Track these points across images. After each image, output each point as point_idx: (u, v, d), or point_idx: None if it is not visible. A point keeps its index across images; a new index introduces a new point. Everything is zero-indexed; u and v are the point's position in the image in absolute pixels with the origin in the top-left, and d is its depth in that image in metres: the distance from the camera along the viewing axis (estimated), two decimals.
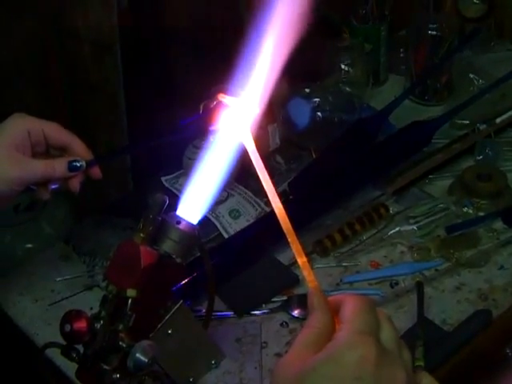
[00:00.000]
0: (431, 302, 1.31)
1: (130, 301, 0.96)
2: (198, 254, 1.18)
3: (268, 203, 1.49)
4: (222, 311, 1.31)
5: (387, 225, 1.46)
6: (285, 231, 0.76)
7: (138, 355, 0.92)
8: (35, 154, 1.15)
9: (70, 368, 1.05)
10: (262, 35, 0.78)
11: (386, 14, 1.85)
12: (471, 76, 1.78)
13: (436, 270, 1.37)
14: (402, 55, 1.95)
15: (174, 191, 1.53)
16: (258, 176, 0.78)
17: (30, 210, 1.56)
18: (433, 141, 1.62)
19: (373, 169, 1.56)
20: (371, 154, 1.57)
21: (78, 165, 1.14)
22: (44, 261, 1.44)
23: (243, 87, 0.80)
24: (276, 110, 1.59)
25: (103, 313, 0.98)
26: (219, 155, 0.89)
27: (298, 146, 1.66)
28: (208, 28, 1.68)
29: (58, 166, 1.13)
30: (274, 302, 1.33)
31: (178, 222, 0.99)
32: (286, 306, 1.32)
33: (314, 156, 1.62)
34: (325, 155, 1.58)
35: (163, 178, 1.59)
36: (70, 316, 0.95)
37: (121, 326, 0.96)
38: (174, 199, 1.01)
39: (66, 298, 1.36)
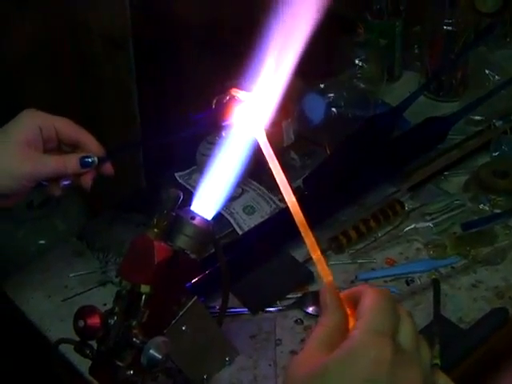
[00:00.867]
0: (447, 299, 1.30)
1: (143, 297, 0.96)
2: (213, 250, 1.17)
3: (282, 199, 1.48)
4: (236, 308, 1.30)
5: (403, 221, 1.45)
6: (298, 225, 0.75)
7: (151, 352, 0.91)
8: (47, 150, 1.14)
9: (83, 364, 1.04)
10: (276, 30, 0.77)
11: (401, 9, 1.84)
12: (487, 72, 1.77)
13: (452, 267, 1.36)
14: (416, 51, 1.95)
15: (188, 187, 1.53)
16: (271, 171, 0.77)
17: (43, 206, 1.56)
18: (448, 137, 1.61)
19: (388, 165, 1.55)
20: (386, 150, 1.57)
21: (90, 161, 1.14)
22: (57, 257, 1.44)
23: (256, 83, 0.79)
24: (290, 105, 1.59)
25: (117, 309, 0.97)
26: (233, 151, 0.88)
27: (312, 141, 1.65)
28: (221, 23, 1.67)
29: (70, 162, 1.13)
30: (288, 298, 1.32)
31: (193, 218, 0.98)
32: (300, 303, 1.31)
33: (328, 152, 1.61)
34: (339, 151, 1.57)
35: (177, 174, 1.58)
36: (84, 312, 0.95)
37: (134, 323, 0.95)
38: (188, 195, 1.01)
39: (79, 293, 1.36)
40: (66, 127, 1.15)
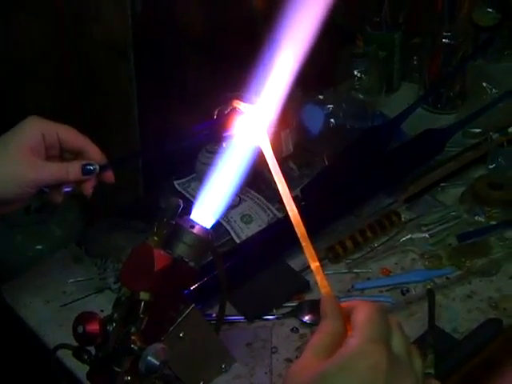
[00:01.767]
0: (442, 309, 1.31)
1: (142, 304, 0.96)
2: (211, 258, 1.18)
3: (280, 209, 1.49)
4: (232, 316, 1.31)
5: (399, 232, 1.46)
6: (298, 235, 0.76)
7: (149, 358, 0.92)
8: (49, 157, 1.15)
9: (81, 370, 1.05)
10: (276, 42, 0.78)
11: (400, 21, 1.85)
12: (484, 85, 1.78)
13: (447, 277, 1.37)
14: (415, 63, 1.95)
15: (187, 195, 1.53)
16: (272, 179, 0.78)
17: (40, 211, 1.57)
18: (445, 149, 1.62)
19: (385, 176, 1.56)
20: (384, 161, 1.58)
21: (92, 168, 1.15)
22: (56, 263, 1.45)
23: (256, 93, 0.80)
24: (289, 116, 1.59)
25: (116, 315, 0.98)
26: (232, 160, 0.89)
27: (310, 152, 1.66)
28: (222, 33, 1.68)
29: (72, 170, 1.14)
30: (284, 307, 1.33)
31: (192, 226, 0.99)
32: (296, 312, 1.32)
33: (326, 162, 1.62)
34: (337, 162, 1.58)
35: (176, 182, 1.59)
36: (83, 318, 0.96)
37: (133, 329, 0.96)
38: (187, 203, 1.01)
39: (78, 299, 1.37)
40: (69, 135, 1.16)
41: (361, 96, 1.74)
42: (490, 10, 1.89)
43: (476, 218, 1.47)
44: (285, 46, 0.78)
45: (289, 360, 1.23)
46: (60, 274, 1.42)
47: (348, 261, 1.42)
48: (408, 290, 1.36)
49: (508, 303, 1.32)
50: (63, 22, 1.51)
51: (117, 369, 0.96)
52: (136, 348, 0.94)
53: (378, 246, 1.44)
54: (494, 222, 1.46)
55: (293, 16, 0.78)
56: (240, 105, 0.82)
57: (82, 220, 1.66)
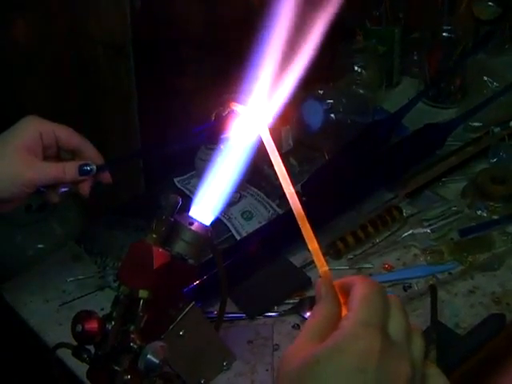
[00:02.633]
0: (444, 305, 1.30)
1: (141, 302, 0.95)
2: (210, 255, 1.17)
3: (280, 205, 1.49)
4: (233, 313, 1.30)
5: (400, 227, 1.46)
6: (296, 216, 0.75)
7: (149, 356, 0.91)
8: (46, 157, 1.15)
9: (80, 369, 1.04)
10: (275, 38, 0.77)
11: (399, 16, 1.84)
12: (485, 79, 1.77)
13: (449, 273, 1.37)
14: (415, 57, 1.95)
15: (187, 192, 1.53)
16: (274, 171, 0.77)
17: (41, 210, 1.56)
18: (446, 143, 1.62)
19: (386, 171, 1.55)
20: (384, 156, 1.57)
21: (89, 169, 1.14)
22: (55, 261, 1.44)
23: (256, 91, 0.79)
24: (289, 111, 1.59)
25: (115, 314, 0.97)
26: (231, 156, 0.88)
27: (310, 147, 1.65)
28: (221, 31, 1.68)
29: (69, 170, 1.13)
30: (286, 304, 1.33)
31: (191, 223, 0.98)
32: (298, 308, 1.31)
33: (326, 158, 1.62)
34: (338, 157, 1.58)
35: (176, 179, 1.59)
36: (82, 316, 0.95)
37: (132, 327, 0.95)
38: (187, 200, 1.01)
39: (77, 298, 1.36)
40: (66, 135, 1.16)
41: (361, 91, 1.74)
42: (490, 3, 1.89)
43: (478, 212, 1.47)
44: (284, 42, 0.77)
45: None
46: (59, 273, 1.41)
47: (350, 257, 1.41)
48: (410, 286, 1.35)
49: (510, 298, 1.31)
50: (61, 20, 1.50)
51: (116, 367, 0.95)
52: (135, 346, 0.94)
53: (380, 242, 1.43)
54: (496, 217, 1.46)
55: (292, 11, 0.77)
56: (238, 107, 0.82)
57: (82, 218, 1.65)
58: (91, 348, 0.97)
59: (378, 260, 1.41)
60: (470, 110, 1.64)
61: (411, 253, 1.42)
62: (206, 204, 0.98)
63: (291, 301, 1.33)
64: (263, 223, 1.46)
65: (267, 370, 1.20)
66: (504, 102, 1.68)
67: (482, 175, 1.53)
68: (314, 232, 0.76)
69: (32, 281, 1.41)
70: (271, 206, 1.50)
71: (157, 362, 0.92)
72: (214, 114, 1.36)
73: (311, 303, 1.31)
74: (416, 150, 1.60)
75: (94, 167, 1.15)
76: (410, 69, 1.95)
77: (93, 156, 1.16)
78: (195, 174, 1.58)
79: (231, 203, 1.49)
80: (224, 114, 1.15)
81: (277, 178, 0.77)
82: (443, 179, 1.58)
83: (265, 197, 1.51)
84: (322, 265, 0.76)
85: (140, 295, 0.96)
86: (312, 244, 0.76)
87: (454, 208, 1.48)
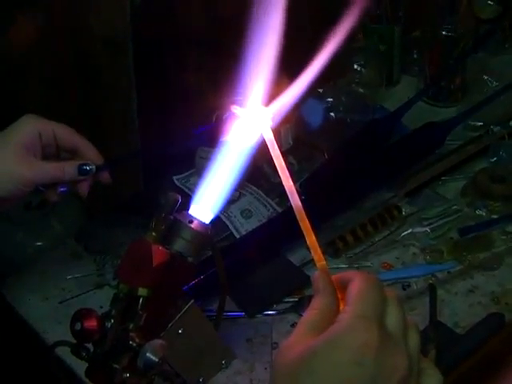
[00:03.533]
0: (443, 304, 1.30)
1: (141, 300, 0.95)
2: (210, 253, 1.17)
3: (280, 203, 1.49)
4: (232, 311, 1.30)
5: (400, 226, 1.46)
6: (294, 209, 0.75)
7: (148, 354, 0.91)
8: (45, 156, 1.14)
9: (79, 367, 1.04)
10: (275, 36, 0.77)
11: (400, 14, 1.84)
12: (485, 77, 1.77)
13: (448, 272, 1.37)
14: (415, 56, 1.95)
15: (186, 190, 1.53)
16: (274, 168, 0.78)
17: (40, 208, 1.56)
18: (446, 142, 1.62)
19: (386, 170, 1.55)
20: (384, 155, 1.57)
21: (88, 168, 1.14)
22: (55, 259, 1.45)
23: (256, 91, 0.79)
24: (289, 110, 1.59)
25: (114, 312, 0.97)
26: (231, 155, 0.88)
27: (310, 146, 1.65)
28: (221, 30, 1.68)
29: (68, 169, 1.13)
30: (285, 302, 1.33)
31: (191, 221, 0.98)
32: (297, 307, 1.31)
33: (326, 156, 1.62)
34: (337, 156, 1.58)
35: (175, 177, 1.59)
36: (81, 314, 0.95)
37: (131, 325, 0.95)
38: (186, 198, 1.01)
39: (76, 296, 1.36)
40: (66, 134, 1.16)
41: (361, 90, 1.74)
42: (490, 2, 1.88)
43: (477, 211, 1.47)
44: (284, 41, 0.77)
45: None
46: (59, 271, 1.41)
47: (349, 255, 1.41)
48: (409, 285, 1.35)
49: (510, 298, 1.32)
50: (61, 16, 1.50)
51: (115, 365, 0.95)
52: (134, 344, 0.94)
53: (379, 241, 1.44)
54: (495, 216, 1.46)
55: (293, 10, 0.77)
56: (238, 109, 0.82)
57: (82, 216, 1.65)
58: (90, 346, 0.98)
59: (377, 259, 1.41)
60: (469, 108, 1.64)
61: (410, 252, 1.42)
62: (206, 202, 0.98)
63: (290, 299, 1.33)
64: (263, 222, 1.46)
65: (266, 369, 1.21)
66: (504, 100, 1.67)
67: (482, 174, 1.53)
68: (313, 230, 0.76)
69: (31, 278, 1.41)
70: (271, 205, 1.49)
71: (156, 360, 0.91)
72: (214, 116, 1.36)
73: (310, 302, 1.30)
74: (416, 148, 1.60)
75: (94, 167, 1.14)
76: (409, 67, 1.95)
77: (92, 155, 1.16)
78: (194, 173, 1.58)
79: (231, 202, 1.49)
80: (224, 117, 1.15)
81: (277, 176, 0.77)
82: (443, 178, 1.58)
83: (264, 195, 1.51)
84: (319, 259, 0.76)
85: (139, 293, 0.95)
86: (310, 238, 0.76)
87: (453, 207, 1.48)
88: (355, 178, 1.50)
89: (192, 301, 1.07)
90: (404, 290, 1.34)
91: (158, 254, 0.96)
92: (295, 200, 0.76)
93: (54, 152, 1.16)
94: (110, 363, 0.95)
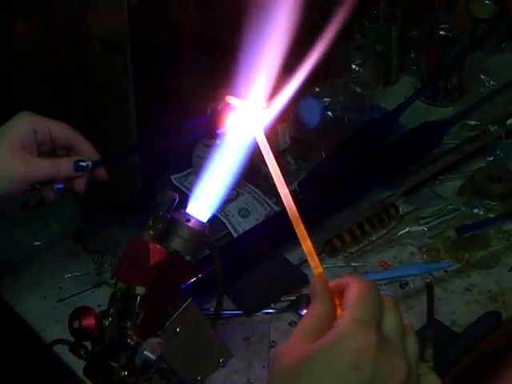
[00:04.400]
0: (441, 303, 1.30)
1: (138, 298, 0.96)
2: (208, 252, 1.18)
3: (277, 202, 1.49)
4: (230, 310, 1.30)
5: (397, 225, 1.46)
6: (290, 216, 0.75)
7: (146, 353, 0.91)
8: (41, 153, 1.14)
9: (77, 365, 1.04)
10: (272, 36, 0.77)
11: (397, 14, 1.84)
12: (482, 77, 1.78)
13: (446, 271, 1.37)
14: (413, 56, 1.95)
15: (183, 189, 1.53)
16: (267, 171, 0.78)
17: (38, 207, 1.56)
18: (443, 142, 1.62)
19: (383, 169, 1.56)
20: (381, 154, 1.57)
21: (84, 165, 1.14)
22: (52, 258, 1.45)
23: (252, 88, 0.79)
24: (287, 109, 1.59)
25: (112, 310, 0.97)
26: (229, 153, 0.89)
27: (307, 145, 1.65)
28: (218, 28, 1.68)
29: (64, 166, 1.13)
30: (282, 301, 1.33)
31: (188, 220, 0.98)
32: (294, 306, 1.31)
33: (323, 156, 1.62)
34: (335, 155, 1.58)
35: (172, 177, 1.59)
36: (79, 312, 0.95)
37: (129, 324, 0.95)
38: (184, 197, 1.01)
39: (74, 295, 1.36)
40: (61, 131, 1.15)
41: (358, 89, 1.74)
42: (487, 1, 1.89)
43: (475, 210, 1.47)
44: (281, 39, 0.77)
45: None
46: (56, 270, 1.41)
47: (346, 254, 1.41)
48: (406, 284, 1.35)
49: (507, 296, 1.32)
50: (59, 16, 1.50)
51: (113, 364, 0.95)
52: (132, 343, 0.94)
53: (376, 240, 1.44)
54: (492, 215, 1.46)
55: (289, 9, 0.77)
56: (233, 100, 0.82)
57: (80, 215, 1.65)
58: (88, 344, 0.98)
59: (374, 258, 1.41)
60: (467, 108, 1.64)
61: (407, 251, 1.42)
62: (203, 201, 0.98)
63: (288, 298, 1.33)
64: (260, 221, 1.46)
65: (264, 367, 1.21)
66: (501, 100, 1.68)
67: (479, 173, 1.53)
68: (310, 230, 0.76)
69: (29, 277, 1.41)
70: (268, 204, 1.50)
71: (153, 358, 0.92)
72: (209, 108, 1.36)
73: (308, 301, 1.30)
74: (413, 148, 1.60)
75: (90, 163, 1.14)
76: (407, 67, 1.96)
77: (88, 152, 1.16)
78: (192, 172, 1.58)
79: (228, 200, 1.49)
80: (219, 108, 1.14)
81: (272, 178, 0.77)
82: (440, 177, 1.58)
83: (262, 194, 1.51)
84: (316, 266, 0.76)
85: (137, 292, 0.96)
86: (306, 244, 0.76)
87: (450, 206, 1.49)
88: (353, 177, 1.50)
89: (190, 299, 1.07)
90: (401, 288, 1.34)
91: (156, 252, 0.97)
92: (291, 207, 0.76)
93: (49, 149, 1.16)
94: (108, 361, 0.95)
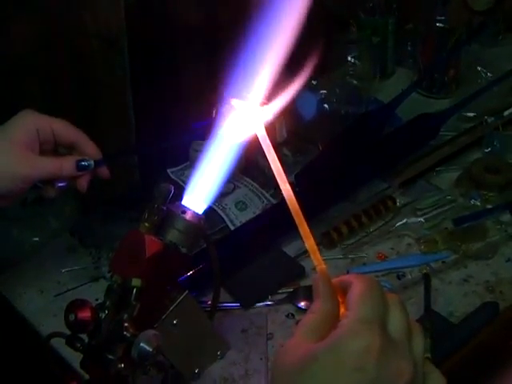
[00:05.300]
0: (438, 294, 1.30)
1: (134, 290, 0.96)
2: (204, 245, 1.18)
3: (274, 195, 1.49)
4: (227, 302, 1.30)
5: (394, 217, 1.46)
6: (293, 214, 0.75)
7: (142, 345, 0.92)
8: (43, 152, 1.14)
9: (74, 358, 1.05)
10: (270, 31, 0.77)
11: (393, 6, 1.84)
12: (479, 69, 1.78)
13: (443, 262, 1.37)
14: (409, 48, 1.95)
15: (181, 183, 1.53)
16: (265, 165, 0.78)
17: (37, 203, 1.56)
18: (440, 133, 1.62)
19: (380, 161, 1.55)
20: (378, 146, 1.57)
21: (87, 164, 1.14)
22: (50, 252, 1.45)
23: (251, 85, 0.79)
24: (284, 103, 1.58)
25: (108, 303, 0.97)
26: (225, 147, 0.89)
27: (304, 138, 1.65)
28: (216, 25, 1.68)
29: (66, 165, 1.13)
30: (280, 293, 1.33)
31: (184, 212, 0.99)
32: (292, 298, 1.31)
33: (320, 148, 1.62)
34: (331, 148, 1.58)
35: (169, 170, 1.59)
36: (75, 305, 0.95)
37: (125, 316, 0.96)
38: (181, 191, 1.01)
39: (72, 289, 1.36)
40: (64, 129, 1.15)
41: (355, 82, 1.74)
42: None
43: (472, 201, 1.47)
44: (278, 34, 0.77)
45: None
46: (54, 264, 1.41)
47: (343, 246, 1.41)
48: (404, 275, 1.35)
49: (504, 286, 1.32)
50: (55, 13, 1.50)
51: (110, 356, 0.95)
52: (128, 335, 0.94)
53: (374, 231, 1.44)
54: (489, 206, 1.46)
55: (286, 3, 0.77)
56: (235, 102, 0.82)
57: (78, 211, 1.65)
58: (85, 337, 0.98)
59: (371, 249, 1.41)
60: (463, 100, 1.64)
61: (405, 242, 1.42)
62: (199, 193, 0.98)
63: (285, 290, 1.33)
64: (257, 213, 1.46)
65: (261, 359, 1.21)
66: (497, 92, 1.68)
67: (476, 165, 1.53)
68: (308, 223, 0.76)
69: (26, 272, 1.41)
70: (265, 197, 1.50)
71: (150, 350, 0.92)
72: (214, 111, 1.36)
73: (305, 293, 1.31)
74: (410, 140, 1.60)
75: (92, 162, 1.15)
76: (403, 59, 1.96)
77: (90, 150, 1.16)
78: (189, 165, 1.58)
79: (225, 194, 1.49)
80: (224, 111, 1.15)
81: (271, 171, 0.77)
82: (437, 169, 1.58)
83: (259, 187, 1.52)
84: (319, 262, 0.76)
85: (133, 284, 0.96)
86: (308, 241, 0.76)
87: (447, 197, 1.49)
88: (349, 169, 1.50)
89: (186, 292, 1.08)
90: (399, 279, 1.34)
91: (151, 244, 0.97)
92: (293, 204, 0.75)
93: (51, 147, 1.16)
94: (104, 354, 0.96)
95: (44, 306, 1.34)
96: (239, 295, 1.32)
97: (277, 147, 1.51)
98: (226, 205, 1.47)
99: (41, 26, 1.50)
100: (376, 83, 1.82)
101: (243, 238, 1.39)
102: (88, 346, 0.97)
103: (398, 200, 1.48)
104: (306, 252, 1.34)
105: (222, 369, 1.19)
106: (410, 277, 1.34)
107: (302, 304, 1.30)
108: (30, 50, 1.51)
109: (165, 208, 1.00)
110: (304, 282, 1.34)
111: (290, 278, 1.35)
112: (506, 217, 1.43)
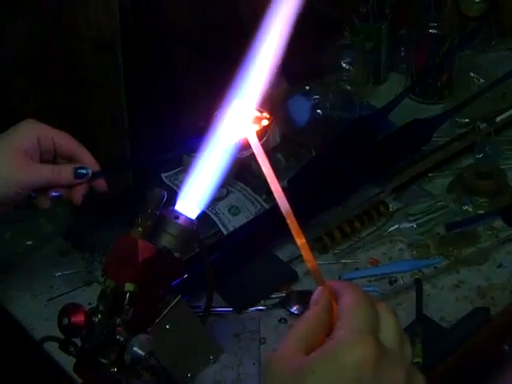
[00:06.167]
0: (430, 299, 1.31)
1: (127, 295, 0.96)
2: (198, 250, 1.18)
3: (267, 200, 1.49)
4: (220, 307, 1.31)
5: (386, 222, 1.47)
6: (283, 212, 0.75)
7: (135, 349, 0.92)
8: (43, 162, 1.15)
9: (68, 362, 1.05)
10: (264, 35, 0.77)
11: (386, 12, 1.85)
12: (472, 75, 1.78)
13: (435, 267, 1.37)
14: (402, 54, 1.96)
15: (174, 188, 1.53)
16: (257, 170, 0.78)
17: (29, 207, 1.56)
18: (433, 139, 1.62)
19: (373, 167, 1.56)
20: (371, 151, 1.57)
21: (84, 172, 1.14)
22: (43, 256, 1.45)
23: (245, 88, 0.79)
24: (276, 107, 1.59)
25: (101, 307, 0.98)
26: (218, 152, 0.89)
27: (297, 143, 1.66)
28: (210, 28, 1.68)
29: (65, 172, 1.13)
30: (272, 298, 1.33)
31: (177, 217, 0.99)
32: (284, 303, 1.32)
33: (313, 153, 1.62)
34: (324, 153, 1.58)
35: (163, 175, 1.59)
36: (68, 309, 0.95)
37: (119, 320, 0.96)
38: (174, 195, 1.01)
39: (65, 293, 1.36)
40: (64, 140, 1.16)
41: (348, 87, 1.75)
42: (477, 0, 1.89)
43: (464, 207, 1.48)
44: (272, 39, 0.77)
45: None
46: (47, 268, 1.41)
47: (336, 251, 1.42)
48: (396, 280, 1.36)
49: (495, 292, 1.32)
50: (49, 16, 1.50)
51: (103, 360, 0.95)
52: (121, 339, 0.94)
53: (366, 237, 1.44)
54: (481, 212, 1.46)
55: (280, 8, 0.77)
56: (231, 108, 0.82)
57: (71, 215, 1.65)
58: (78, 341, 0.98)
59: (364, 254, 1.41)
60: (456, 105, 1.64)
61: (397, 247, 1.42)
62: (192, 198, 0.98)
63: (278, 295, 1.34)
64: (250, 218, 1.46)
65: (254, 364, 1.21)
66: (490, 97, 1.68)
67: (468, 170, 1.54)
68: (301, 228, 0.76)
69: (19, 276, 1.41)
70: (258, 202, 1.50)
71: (143, 354, 0.92)
72: (214, 116, 1.36)
73: (298, 297, 1.31)
74: (402, 145, 1.60)
75: (90, 171, 1.15)
76: (396, 65, 1.96)
77: (89, 162, 1.16)
78: (182, 170, 1.58)
79: (218, 198, 1.49)
80: (217, 114, 1.15)
81: (263, 176, 0.77)
82: (429, 174, 1.59)
83: (252, 192, 1.52)
84: (309, 260, 0.75)
85: (126, 288, 0.96)
86: (300, 239, 0.76)
87: (439, 203, 1.49)
88: (342, 174, 1.50)
89: (179, 296, 1.08)
90: (391, 284, 1.35)
91: (144, 249, 0.97)
92: (285, 207, 0.76)
93: (50, 158, 1.16)
94: (97, 358, 0.96)
95: (37, 311, 1.34)
96: (232, 300, 1.32)
97: (270, 152, 1.53)
98: (219, 210, 1.47)
99: (35, 29, 1.50)
100: (369, 88, 1.83)
101: (236, 242, 1.40)
102: (81, 350, 0.97)
103: (390, 205, 1.49)
104: (298, 257, 1.35)
105: (215, 373, 1.20)
106: (402, 282, 1.35)
107: (295, 308, 1.30)
108: (22, 53, 1.51)
109: (158, 213, 1.00)
110: (296, 287, 1.34)
111: (283, 282, 1.36)
112: (497, 223, 1.44)
